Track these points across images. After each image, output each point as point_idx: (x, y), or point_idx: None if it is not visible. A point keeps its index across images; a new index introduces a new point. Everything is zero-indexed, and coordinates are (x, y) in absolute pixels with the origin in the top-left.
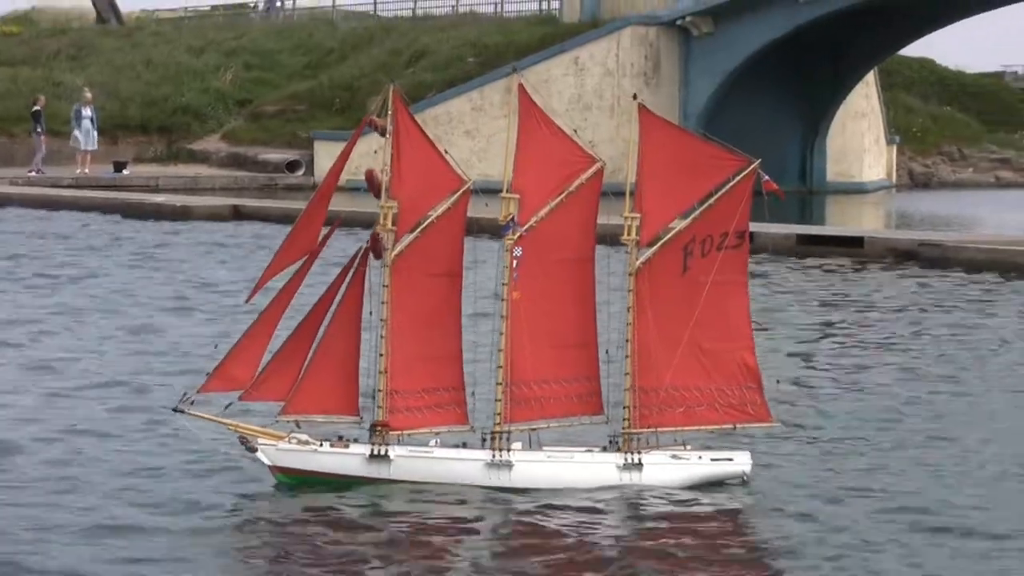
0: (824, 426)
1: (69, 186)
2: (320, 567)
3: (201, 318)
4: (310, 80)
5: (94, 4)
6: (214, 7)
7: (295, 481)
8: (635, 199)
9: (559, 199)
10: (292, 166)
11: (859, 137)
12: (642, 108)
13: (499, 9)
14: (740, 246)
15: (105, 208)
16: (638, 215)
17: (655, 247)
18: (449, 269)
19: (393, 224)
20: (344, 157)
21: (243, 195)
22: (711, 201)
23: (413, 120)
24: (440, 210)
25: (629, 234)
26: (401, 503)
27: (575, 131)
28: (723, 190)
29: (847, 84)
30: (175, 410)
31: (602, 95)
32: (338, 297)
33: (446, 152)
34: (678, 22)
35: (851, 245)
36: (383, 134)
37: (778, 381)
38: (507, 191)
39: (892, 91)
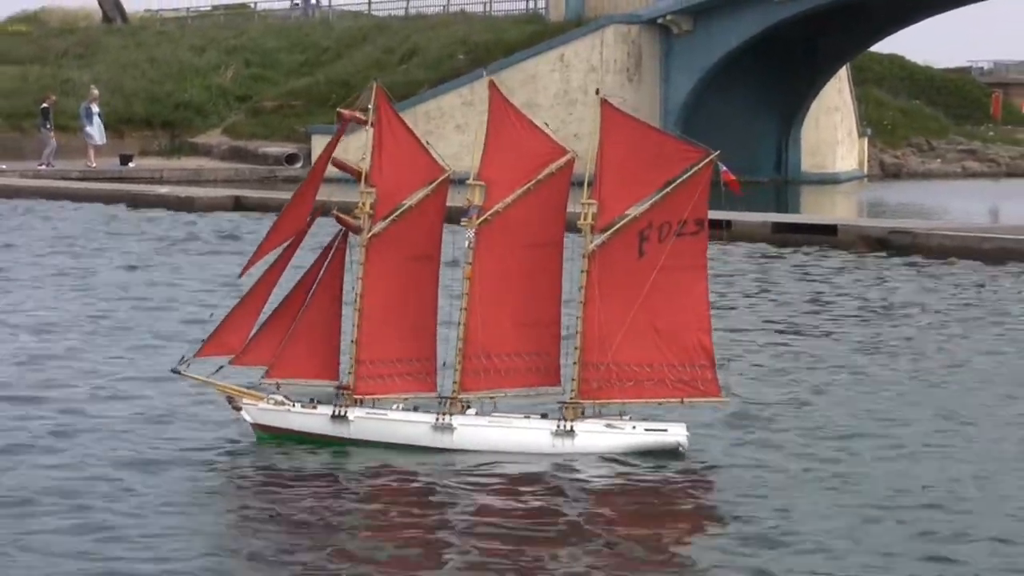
0: (770, 404)
1: (78, 178)
2: (273, 521)
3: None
4: (307, 77)
5: (100, 4)
6: (215, 7)
7: (271, 438)
8: (593, 187)
9: (526, 187)
10: (291, 159)
11: (832, 130)
12: (604, 102)
13: (488, 8)
14: (698, 233)
15: (113, 199)
16: (594, 202)
17: (609, 232)
18: (425, 252)
19: (371, 209)
20: (331, 148)
21: (244, 186)
22: (668, 190)
23: (395, 114)
24: (418, 197)
25: (585, 219)
26: (356, 463)
27: (546, 124)
28: (680, 180)
29: (820, 80)
30: (173, 371)
31: (587, 90)
32: (319, 273)
33: (428, 144)
34: (659, 20)
35: (825, 233)
36: (360, 123)
37: (725, 362)
38: (474, 179)
39: (864, 86)
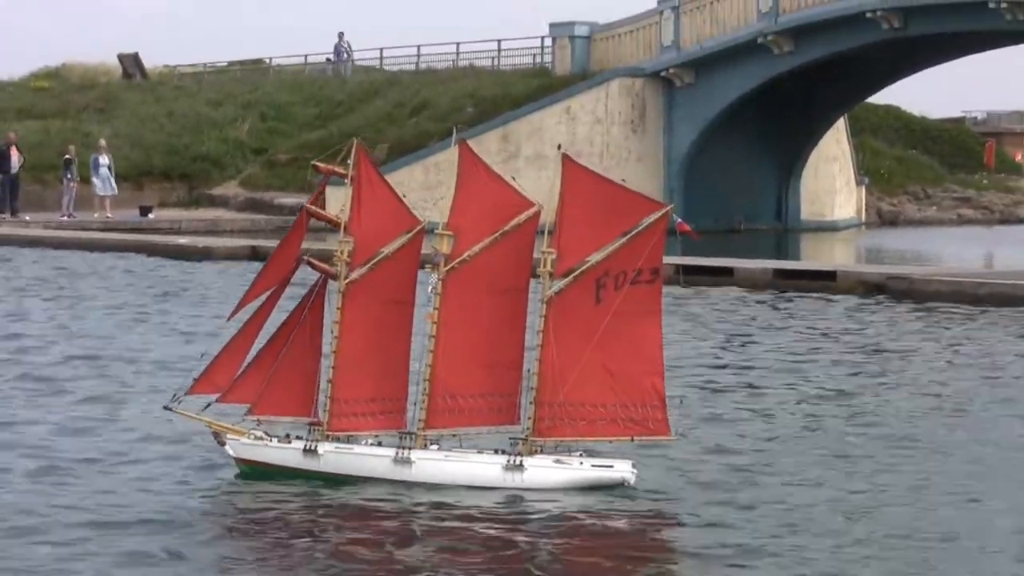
0: (730, 444)
1: (98, 229)
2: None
3: None
4: (320, 130)
5: (120, 60)
6: (231, 63)
7: (252, 470)
8: (553, 236)
9: (493, 237)
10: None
11: (831, 179)
12: (565, 157)
13: (496, 63)
14: (653, 281)
15: (134, 249)
16: (554, 251)
17: (568, 279)
18: (400, 297)
19: (348, 257)
20: (314, 201)
21: (259, 236)
22: (624, 240)
23: (374, 168)
24: (394, 246)
25: (544, 266)
26: (327, 494)
27: (513, 178)
28: (636, 231)
29: (819, 130)
30: (166, 408)
31: (592, 141)
32: (300, 317)
33: (403, 196)
34: (662, 73)
35: (824, 279)
36: (339, 176)
37: (681, 401)
38: (442, 229)
39: (861, 136)
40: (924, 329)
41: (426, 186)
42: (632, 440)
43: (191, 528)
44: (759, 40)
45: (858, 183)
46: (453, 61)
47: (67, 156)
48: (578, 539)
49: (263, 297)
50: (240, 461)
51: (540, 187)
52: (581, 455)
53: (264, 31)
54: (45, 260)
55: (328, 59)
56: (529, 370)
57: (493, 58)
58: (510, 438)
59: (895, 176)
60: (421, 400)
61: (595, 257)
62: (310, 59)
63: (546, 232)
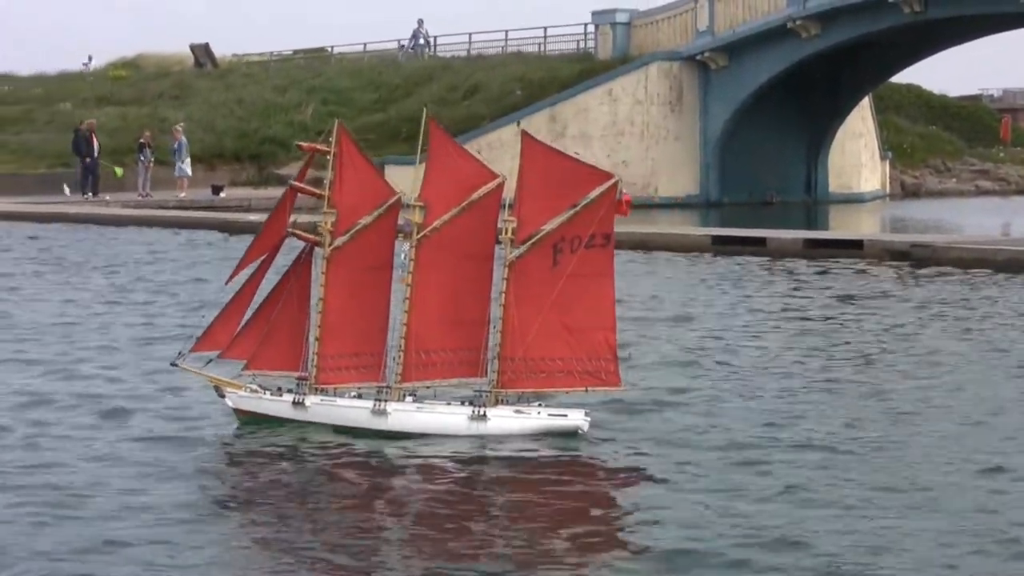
0: (676, 396)
1: (174, 207)
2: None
3: None
4: (379, 113)
5: (192, 50)
6: (296, 51)
7: (249, 420)
8: (513, 207)
9: (461, 207)
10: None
11: (856, 154)
12: (524, 134)
13: (542, 48)
14: (606, 245)
15: (207, 226)
16: (514, 219)
17: (527, 244)
18: (379, 263)
19: (332, 227)
20: (300, 177)
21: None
22: (578, 208)
23: (355, 146)
24: (372, 217)
25: (506, 234)
26: (308, 441)
27: (479, 152)
28: (589, 199)
29: (845, 108)
30: (172, 364)
31: (633, 121)
32: (290, 281)
33: (380, 170)
34: (697, 57)
35: (852, 247)
36: (322, 153)
37: (630, 355)
38: (414, 201)
39: (884, 114)
40: (948, 291)
41: None
42: (586, 390)
43: (193, 471)
44: (788, 25)
45: (882, 158)
46: (502, 47)
47: (141, 140)
48: (534, 482)
49: (255, 264)
50: (238, 412)
51: (589, 161)
52: (539, 405)
53: (326, 20)
54: (124, 236)
55: (401, 44)
56: (494, 328)
57: (539, 44)
58: (475, 390)
59: (917, 151)
60: (397, 356)
61: (551, 224)
62: (369, 47)
63: (506, 202)
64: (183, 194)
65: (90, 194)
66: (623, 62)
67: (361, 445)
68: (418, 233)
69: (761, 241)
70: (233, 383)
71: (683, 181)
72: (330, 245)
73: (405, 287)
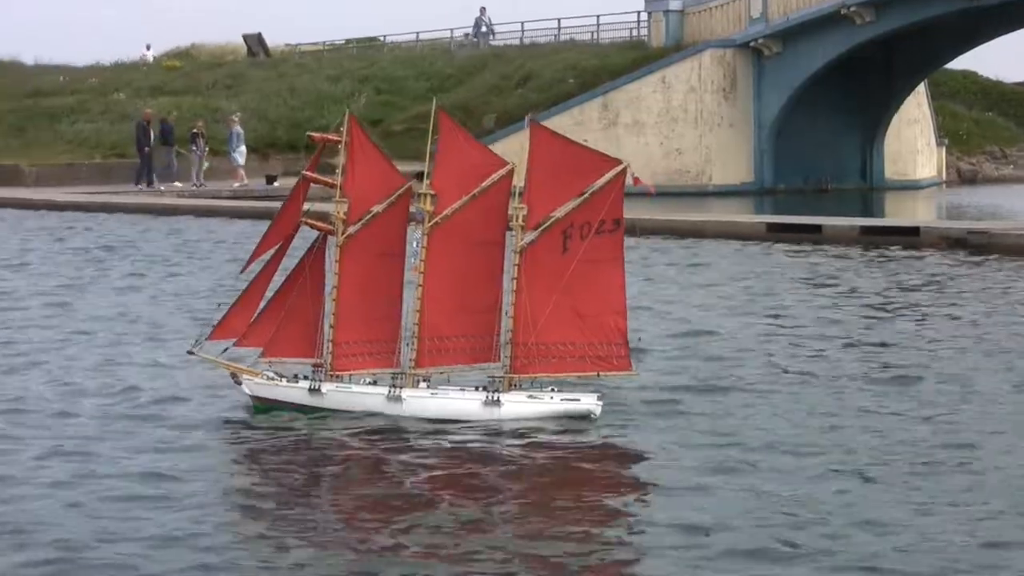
0: (686, 382)
1: (228, 197)
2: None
3: None
4: (431, 102)
5: (245, 40)
6: (348, 40)
7: (265, 407)
8: (523, 194)
9: (472, 194)
10: (420, 176)
11: (912, 140)
12: (532, 123)
13: (595, 36)
14: (615, 231)
15: (261, 215)
16: (524, 206)
17: (538, 231)
18: (391, 250)
19: (344, 215)
20: (312, 166)
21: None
22: (587, 195)
23: (365, 135)
24: (384, 205)
25: (517, 221)
26: (325, 427)
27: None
28: (598, 186)
29: (900, 95)
30: (189, 352)
31: (687, 109)
32: (303, 271)
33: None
34: (751, 44)
35: (908, 234)
36: (334, 143)
37: (639, 339)
38: (425, 189)
39: (940, 100)
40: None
41: None
42: (598, 376)
43: (212, 456)
44: (842, 11)
45: (938, 144)
46: (555, 35)
47: (194, 130)
48: (546, 466)
49: (270, 253)
50: (255, 399)
51: (639, 151)
52: (552, 390)
53: (379, 10)
54: (179, 226)
55: (464, 32)
56: (506, 313)
57: (592, 32)
58: (489, 376)
59: (973, 137)
60: (411, 343)
61: (561, 211)
62: (422, 36)
63: (517, 190)
64: (239, 183)
65: (144, 184)
66: (676, 49)
67: (377, 431)
68: (430, 221)
69: (817, 228)
70: (250, 370)
71: (737, 168)
72: (343, 233)
73: (418, 275)
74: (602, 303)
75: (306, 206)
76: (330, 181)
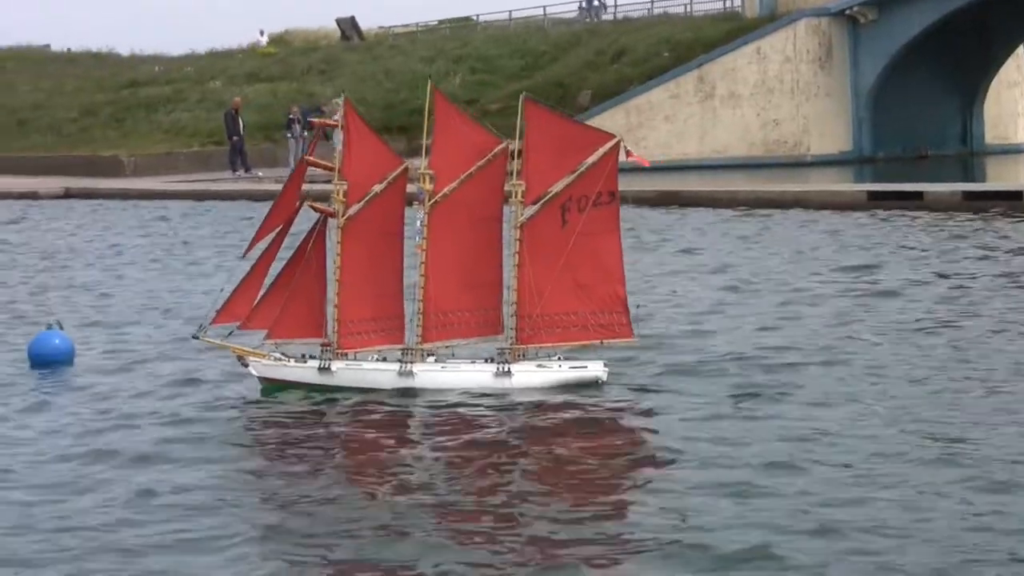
0: (690, 348)
1: (323, 181)
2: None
3: None
4: (527, 80)
5: (338, 24)
6: (441, 21)
7: (274, 387)
8: (521, 171)
9: (469, 172)
10: (517, 154)
11: (1012, 103)
12: (527, 100)
13: (688, 9)
14: (611, 203)
15: None
16: (522, 183)
17: (536, 206)
18: (391, 229)
19: (344, 197)
20: (310, 151)
21: None
22: (583, 169)
23: (361, 119)
24: (382, 185)
25: (515, 197)
26: (341, 404)
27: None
28: (592, 160)
29: (999, 58)
30: (194, 336)
31: (783, 79)
32: (305, 252)
33: (387, 140)
34: (846, 12)
35: (1011, 199)
36: (332, 126)
37: (638, 306)
38: (424, 169)
39: None
40: None
41: (627, 128)
42: (601, 343)
43: (223, 436)
44: None
45: None
46: (648, 9)
47: (290, 115)
48: (558, 431)
49: (271, 236)
50: (263, 380)
51: (735, 123)
52: (559, 358)
53: None
54: None
55: (581, 7)
56: (509, 287)
57: (685, 5)
58: (497, 348)
59: None
60: (417, 319)
61: (558, 186)
62: (515, 14)
63: (514, 167)
64: None
65: (242, 171)
66: (771, 20)
67: (389, 405)
68: (430, 200)
69: (918, 195)
70: (256, 352)
71: (835, 138)
72: (343, 215)
73: (420, 252)
74: (602, 273)
75: (304, 187)
76: (329, 165)
